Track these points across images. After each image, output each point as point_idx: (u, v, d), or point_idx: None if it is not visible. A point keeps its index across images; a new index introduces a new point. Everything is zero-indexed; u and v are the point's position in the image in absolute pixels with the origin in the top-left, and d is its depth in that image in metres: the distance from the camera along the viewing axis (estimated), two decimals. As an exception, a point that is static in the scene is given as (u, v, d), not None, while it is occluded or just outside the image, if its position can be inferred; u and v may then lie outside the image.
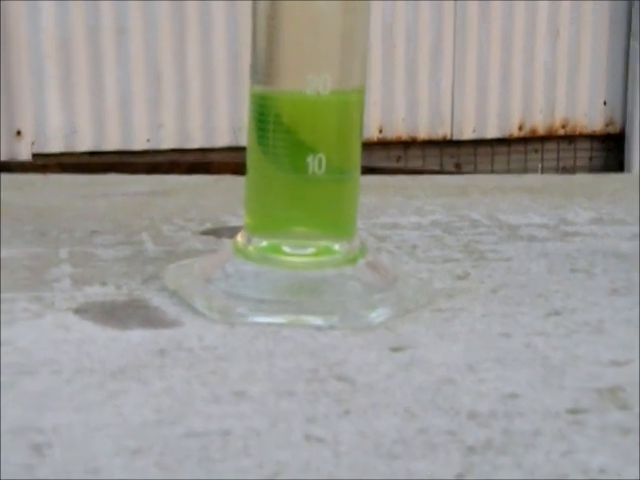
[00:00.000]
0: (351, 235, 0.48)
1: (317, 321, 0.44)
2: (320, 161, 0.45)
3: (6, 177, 0.81)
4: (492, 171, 2.76)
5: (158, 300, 0.47)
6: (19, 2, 2.13)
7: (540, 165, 2.86)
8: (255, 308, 0.44)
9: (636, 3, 2.70)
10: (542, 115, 2.79)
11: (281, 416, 0.34)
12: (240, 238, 0.48)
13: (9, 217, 0.64)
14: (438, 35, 2.57)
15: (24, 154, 2.21)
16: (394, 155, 2.66)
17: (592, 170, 2.88)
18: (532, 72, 2.72)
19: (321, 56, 0.45)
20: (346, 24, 0.45)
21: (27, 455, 0.30)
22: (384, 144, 2.63)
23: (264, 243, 0.47)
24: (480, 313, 0.47)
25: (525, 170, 2.78)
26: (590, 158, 2.92)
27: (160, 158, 2.20)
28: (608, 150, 2.93)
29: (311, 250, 0.47)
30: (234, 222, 0.65)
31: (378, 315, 0.45)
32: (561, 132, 2.84)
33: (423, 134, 2.68)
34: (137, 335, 0.42)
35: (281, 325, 0.44)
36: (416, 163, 2.68)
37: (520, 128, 2.79)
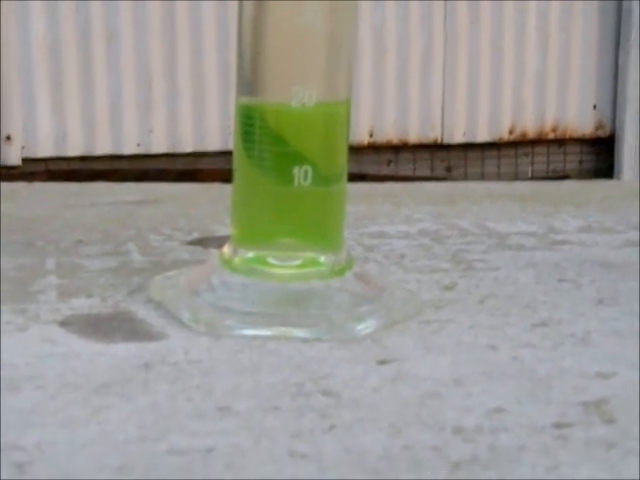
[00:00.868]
0: (337, 247, 0.48)
1: (303, 333, 0.44)
2: (306, 172, 0.45)
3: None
4: (483, 174, 2.76)
5: (144, 312, 0.47)
6: (9, 6, 2.13)
7: (530, 168, 2.86)
8: (241, 320, 0.44)
9: (626, 8, 2.70)
10: (532, 119, 2.79)
11: (266, 432, 0.34)
12: (226, 249, 0.48)
13: (-4, 227, 0.64)
14: (429, 39, 2.57)
15: (14, 159, 2.20)
16: (384, 159, 2.66)
17: (582, 173, 2.89)
18: (522, 76, 2.72)
19: (307, 68, 0.45)
20: (332, 37, 0.45)
21: (9, 473, 0.30)
22: (374, 148, 2.63)
23: (250, 254, 0.47)
24: (467, 325, 0.47)
25: (515, 173, 2.78)
26: (580, 161, 2.92)
27: (150, 163, 2.19)
28: (598, 153, 2.93)
29: (297, 262, 0.47)
30: (222, 232, 0.65)
31: (365, 327, 0.45)
32: (551, 136, 2.84)
33: (414, 138, 2.67)
34: (122, 349, 0.42)
35: (267, 338, 0.43)
36: (407, 167, 2.68)
37: (510, 132, 2.79)
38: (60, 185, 0.89)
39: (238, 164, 0.47)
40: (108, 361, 0.40)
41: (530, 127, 2.78)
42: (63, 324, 0.45)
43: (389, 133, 2.63)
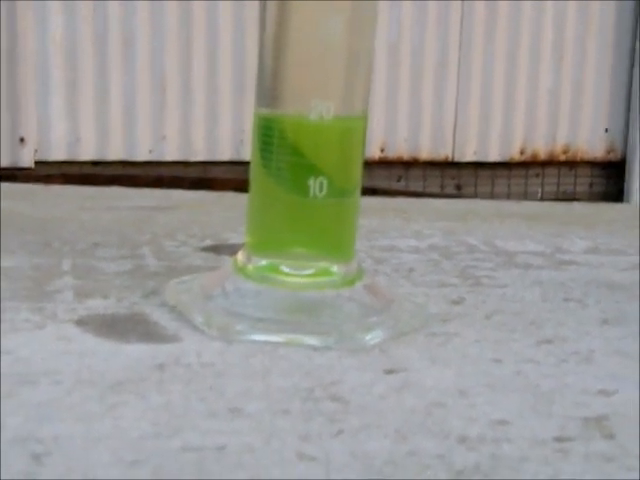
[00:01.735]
0: (349, 257, 0.49)
1: (313, 341, 0.45)
2: (322, 184, 0.46)
3: (10, 186, 0.82)
4: (492, 194, 2.77)
5: (158, 315, 0.48)
6: (27, 11, 2.15)
7: (540, 190, 2.87)
8: (253, 326, 0.45)
9: (640, 32, 2.71)
10: (544, 140, 2.80)
11: (275, 433, 0.35)
12: (240, 256, 0.49)
13: (13, 227, 0.65)
14: (443, 56, 2.59)
15: (27, 161, 2.22)
16: (395, 174, 2.68)
17: (592, 196, 2.90)
18: (535, 97, 2.73)
19: (326, 82, 0.46)
20: (352, 52, 0.46)
21: (27, 464, 0.31)
22: (385, 163, 2.65)
23: (264, 262, 0.48)
24: (473, 338, 0.48)
25: (525, 194, 2.79)
26: (590, 184, 2.93)
27: (163, 170, 2.21)
28: (608, 177, 2.94)
29: (310, 271, 0.48)
30: (234, 239, 0.66)
31: (373, 337, 0.46)
32: (562, 158, 2.85)
33: (425, 154, 2.69)
34: (137, 349, 0.43)
35: (278, 344, 0.45)
36: (417, 183, 2.69)
37: (521, 152, 2.81)
38: (76, 188, 0.90)
39: (255, 173, 0.48)
40: (123, 360, 0.41)
41: (541, 148, 2.79)
42: (79, 323, 0.46)
43: (400, 149, 2.65)
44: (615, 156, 2.88)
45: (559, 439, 0.36)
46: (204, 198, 0.86)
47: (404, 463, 0.33)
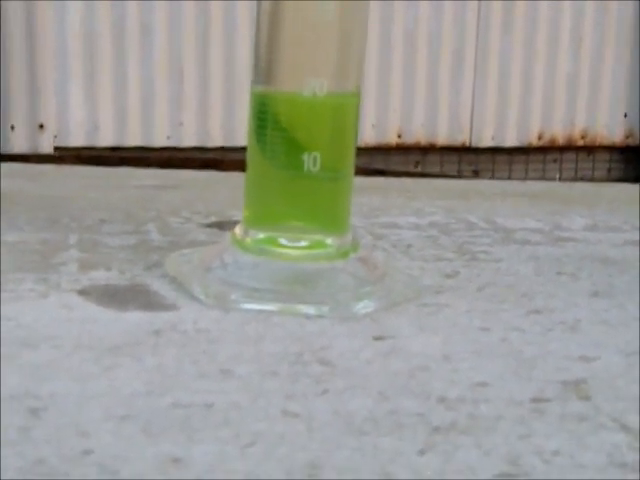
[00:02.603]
0: (343, 230, 0.50)
1: (307, 310, 0.46)
2: (315, 159, 0.48)
3: (23, 167, 0.84)
4: (510, 179, 2.77)
5: (158, 285, 0.50)
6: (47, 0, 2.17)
7: (558, 175, 2.87)
8: (249, 295, 0.47)
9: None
10: (562, 125, 2.80)
11: (262, 393, 0.36)
12: (238, 230, 0.50)
13: (24, 204, 0.67)
14: (460, 42, 2.59)
15: (46, 147, 2.24)
16: (412, 160, 2.68)
17: (610, 181, 2.89)
18: (553, 82, 2.73)
19: (320, 60, 0.47)
20: (345, 31, 0.47)
21: (24, 417, 0.33)
22: (402, 149, 2.65)
23: (261, 235, 0.50)
24: (464, 309, 0.49)
25: (543, 179, 2.79)
26: (609, 169, 2.93)
27: (180, 155, 2.23)
28: (627, 162, 2.94)
29: (305, 243, 0.49)
30: (239, 216, 0.67)
31: (365, 306, 0.47)
32: (580, 143, 2.85)
33: (442, 140, 2.70)
34: (135, 316, 0.44)
35: (273, 312, 0.46)
36: (434, 169, 2.70)
37: (539, 137, 2.80)
38: (86, 168, 0.92)
39: (251, 149, 0.49)
40: (121, 326, 0.43)
41: (559, 133, 2.79)
42: (82, 293, 0.48)
43: (417, 134, 2.66)
44: (634, 141, 2.87)
45: (536, 400, 0.37)
46: (211, 178, 0.87)
47: (384, 421, 0.35)
